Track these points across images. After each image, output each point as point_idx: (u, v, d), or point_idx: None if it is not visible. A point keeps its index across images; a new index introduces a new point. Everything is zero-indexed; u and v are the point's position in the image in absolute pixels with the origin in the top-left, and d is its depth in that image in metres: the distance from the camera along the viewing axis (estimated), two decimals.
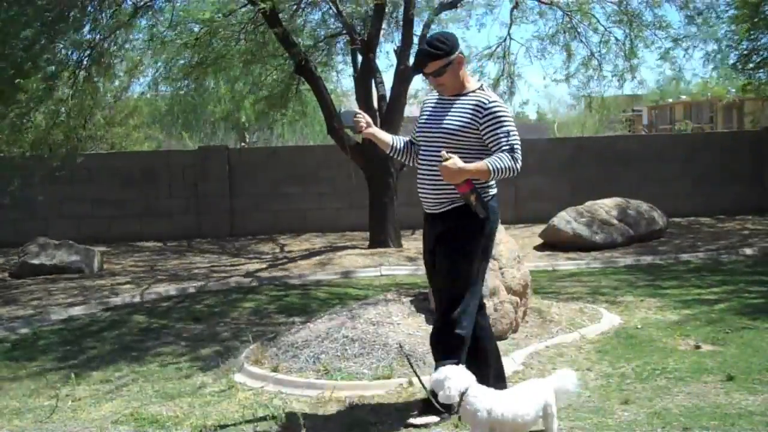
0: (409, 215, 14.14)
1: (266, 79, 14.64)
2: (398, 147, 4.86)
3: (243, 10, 12.45)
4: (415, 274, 10.10)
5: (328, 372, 5.60)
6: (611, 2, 12.92)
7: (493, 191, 4.69)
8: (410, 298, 6.88)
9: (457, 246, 4.62)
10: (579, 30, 13.49)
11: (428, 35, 4.46)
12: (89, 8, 10.56)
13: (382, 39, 13.66)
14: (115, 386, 5.82)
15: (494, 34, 49.25)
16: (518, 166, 4.41)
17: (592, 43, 13.70)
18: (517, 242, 7.55)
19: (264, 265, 11.62)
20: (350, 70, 13.62)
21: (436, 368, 4.45)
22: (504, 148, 4.41)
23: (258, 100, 15.33)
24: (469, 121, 4.49)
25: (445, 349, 4.57)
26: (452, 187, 4.45)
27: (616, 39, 13.42)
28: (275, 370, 5.75)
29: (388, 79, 13.35)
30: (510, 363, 5.77)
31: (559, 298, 8.04)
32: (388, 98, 12.72)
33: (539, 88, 48.17)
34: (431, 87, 4.68)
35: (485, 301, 6.35)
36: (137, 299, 9.35)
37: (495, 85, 14.37)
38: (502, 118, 4.46)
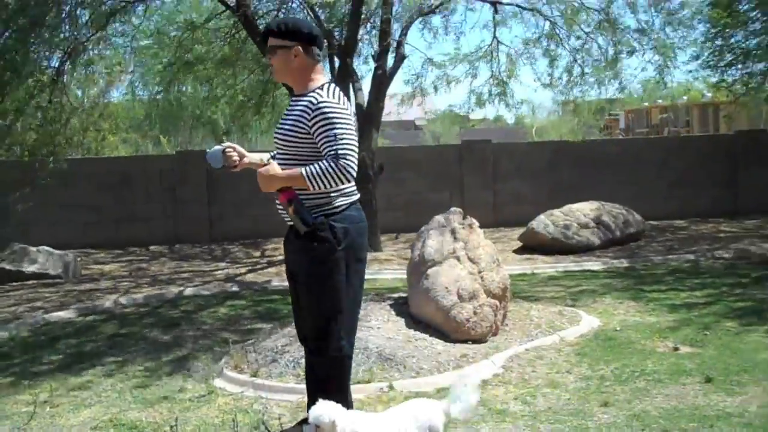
0: (389, 220, 14.19)
1: (243, 83, 14.63)
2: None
3: (223, 14, 12.45)
4: (395, 277, 10.09)
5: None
6: (592, 8, 12.99)
7: (352, 198, 4.22)
8: (390, 302, 6.89)
9: (314, 279, 4.10)
10: (561, 36, 13.54)
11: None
12: (64, 12, 10.48)
13: (360, 44, 13.70)
14: (93, 392, 5.78)
15: (481, 39, 49.15)
16: (346, 173, 3.90)
17: (574, 49, 13.75)
18: (496, 246, 7.57)
19: (244, 270, 11.58)
20: (328, 76, 13.61)
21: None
22: (330, 153, 3.91)
23: (234, 103, 15.30)
24: (296, 121, 4.04)
25: (318, 380, 4.20)
26: (311, 194, 4.03)
27: (599, 45, 13.50)
28: (255, 375, 5.73)
29: (366, 84, 13.42)
30: (490, 366, 5.79)
31: (538, 300, 8.06)
32: (365, 103, 12.74)
33: (535, 88, 48.15)
34: None
35: (466, 304, 6.37)
36: (115, 305, 9.28)
37: (495, 84, 14.40)
38: (334, 119, 3.94)
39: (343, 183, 3.97)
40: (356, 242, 4.14)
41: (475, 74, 14.53)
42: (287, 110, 4.20)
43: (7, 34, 9.81)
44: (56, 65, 11.35)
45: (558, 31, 13.42)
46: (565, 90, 14.43)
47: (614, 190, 14.51)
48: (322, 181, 3.90)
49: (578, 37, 13.52)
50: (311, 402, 4.04)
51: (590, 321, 7.12)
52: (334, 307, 4.06)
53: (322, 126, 3.95)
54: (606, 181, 15.28)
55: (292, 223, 4.08)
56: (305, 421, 3.91)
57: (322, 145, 3.94)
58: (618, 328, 6.92)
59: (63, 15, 10.55)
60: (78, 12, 10.68)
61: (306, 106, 4.02)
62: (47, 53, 11.01)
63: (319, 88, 4.07)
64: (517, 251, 12.20)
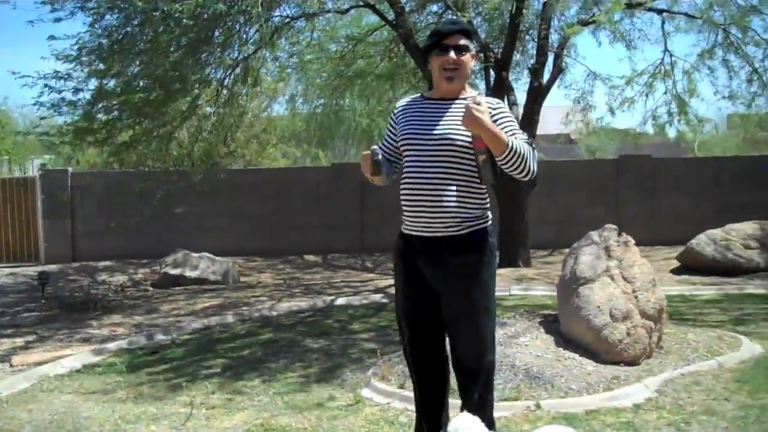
0: (541, 235, 13.99)
1: (401, 96, 14.84)
2: (389, 171, 4.13)
3: (383, 29, 12.66)
4: (545, 294, 9.93)
5: (454, 391, 5.57)
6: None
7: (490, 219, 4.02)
8: (539, 319, 6.78)
9: (477, 280, 3.90)
10: (737, 44, 12.80)
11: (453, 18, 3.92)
12: (234, 27, 10.94)
13: (516, 56, 13.61)
14: (247, 396, 5.97)
15: (651, 53, 47.21)
16: (535, 167, 3.82)
17: (754, 58, 12.97)
18: (653, 264, 7.30)
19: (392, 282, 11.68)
20: (483, 87, 13.60)
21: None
22: (522, 138, 3.85)
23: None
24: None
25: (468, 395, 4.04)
26: (471, 204, 3.87)
27: None
28: (402, 387, 5.76)
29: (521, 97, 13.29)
30: (643, 390, 5.59)
31: (696, 324, 7.73)
32: (520, 116, 12.64)
33: (712, 102, 46.04)
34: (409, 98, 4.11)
35: (619, 324, 6.19)
36: (271, 312, 9.57)
37: (673, 104, 13.84)
38: (513, 121, 3.94)
39: (531, 172, 3.81)
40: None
41: (648, 93, 13.96)
42: (431, 112, 3.98)
43: (178, 49, 10.28)
44: (222, 78, 11.86)
45: (733, 39, 12.70)
46: (747, 102, 13.59)
47: None
48: (522, 159, 3.74)
49: (757, 44, 12.76)
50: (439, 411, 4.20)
51: (751, 347, 6.76)
52: (494, 316, 4.02)
53: (509, 123, 3.88)
54: None
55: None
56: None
57: (514, 132, 3.84)
58: None
59: (233, 32, 11.01)
60: (246, 29, 11.11)
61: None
62: (214, 67, 11.51)
63: (479, 95, 4.00)
64: (675, 271, 11.77)
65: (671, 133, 14.78)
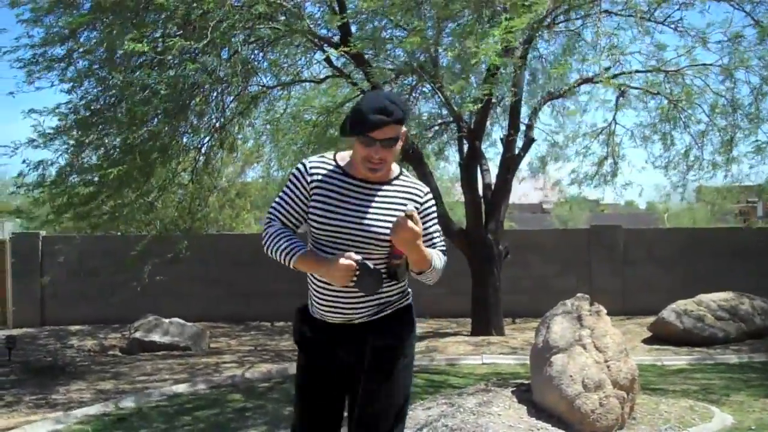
0: (513, 303, 14.02)
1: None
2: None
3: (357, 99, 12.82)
4: (517, 363, 9.91)
5: None
6: (719, 94, 12.62)
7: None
8: (512, 389, 6.76)
9: (401, 361, 3.61)
10: (681, 118, 13.23)
11: (382, 93, 3.83)
12: (212, 96, 11.05)
13: (488, 127, 13.82)
14: None
15: (599, 116, 48.81)
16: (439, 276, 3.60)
17: (694, 133, 13.41)
18: (625, 335, 7.34)
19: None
20: (457, 157, 13.75)
21: None
22: (440, 249, 3.61)
23: None
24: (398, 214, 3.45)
25: None
26: (393, 286, 3.56)
27: (719, 129, 13.07)
28: None
29: (493, 164, 13.48)
30: None
31: (668, 394, 7.74)
32: (493, 186, 12.78)
33: (643, 171, 47.39)
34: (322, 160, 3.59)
35: (592, 394, 6.18)
36: (242, 378, 9.46)
37: (600, 165, 14.20)
38: (435, 214, 3.64)
39: (430, 284, 3.65)
40: None
41: (585, 154, 14.43)
42: (356, 195, 3.52)
43: (155, 117, 10.36)
44: (200, 147, 11.94)
45: (678, 114, 13.11)
46: (682, 173, 14.01)
47: (752, 281, 13.89)
48: (436, 275, 3.55)
49: (699, 121, 13.18)
50: None
51: (723, 418, 6.77)
52: (409, 389, 3.74)
53: (429, 222, 3.59)
54: (742, 272, 14.64)
55: (359, 289, 3.43)
56: None
57: (434, 238, 3.59)
58: (753, 427, 6.55)
59: (210, 100, 11.13)
60: (222, 98, 11.24)
61: (410, 195, 3.57)
62: (193, 136, 11.60)
63: (402, 174, 3.62)
64: (647, 341, 11.80)
65: (609, 196, 15.20)
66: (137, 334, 11.93)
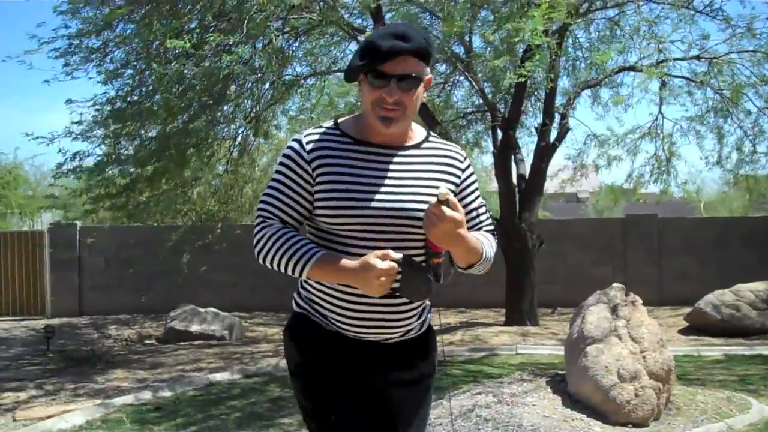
0: (548, 293, 13.96)
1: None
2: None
3: None
4: (552, 353, 9.87)
5: None
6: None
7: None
8: (546, 379, 6.74)
9: (430, 396, 2.96)
10: (730, 110, 13.03)
11: (401, 24, 2.95)
12: (247, 85, 11.11)
13: (523, 115, 13.74)
14: None
15: (644, 112, 48.06)
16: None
17: (745, 125, 13.19)
18: (661, 325, 7.27)
19: None
20: (491, 147, 13.69)
21: None
22: (487, 228, 2.85)
23: None
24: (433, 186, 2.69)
25: None
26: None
27: None
28: None
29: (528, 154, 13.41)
30: None
31: (704, 385, 7.66)
32: (527, 175, 12.71)
33: (699, 168, 46.82)
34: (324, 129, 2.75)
35: (627, 385, 6.14)
36: (277, 369, 9.52)
37: (656, 165, 14.07)
38: (477, 184, 2.90)
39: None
40: None
41: (636, 152, 14.28)
42: (376, 166, 2.69)
43: (191, 110, 10.42)
44: (235, 137, 12.01)
45: (727, 106, 12.92)
46: (735, 168, 13.85)
47: None
48: (488, 264, 2.78)
49: (749, 112, 12.97)
50: None
51: (761, 409, 6.69)
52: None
53: (474, 193, 2.85)
54: None
55: (405, 296, 2.66)
56: None
57: (480, 216, 2.84)
58: None
59: (245, 90, 11.18)
60: (257, 86, 11.28)
61: (450, 165, 2.80)
62: (228, 126, 11.67)
63: (431, 136, 2.85)
64: (683, 331, 11.69)
65: (654, 189, 15.03)
66: (174, 324, 12.05)
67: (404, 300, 2.68)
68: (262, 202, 2.74)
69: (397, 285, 2.59)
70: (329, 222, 2.65)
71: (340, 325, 2.72)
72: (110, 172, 10.84)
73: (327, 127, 2.76)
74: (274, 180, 2.73)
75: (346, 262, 2.58)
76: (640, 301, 6.97)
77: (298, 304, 2.85)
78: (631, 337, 6.58)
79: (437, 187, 2.58)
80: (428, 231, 2.53)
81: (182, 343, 11.69)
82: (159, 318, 13.67)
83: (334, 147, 2.68)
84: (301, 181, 2.67)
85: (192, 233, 13.21)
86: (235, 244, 14.82)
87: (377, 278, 2.51)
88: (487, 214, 2.89)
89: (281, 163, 2.72)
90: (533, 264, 12.47)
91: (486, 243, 2.76)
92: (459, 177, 2.80)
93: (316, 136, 2.71)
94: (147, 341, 12.18)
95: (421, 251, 2.66)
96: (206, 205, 13.80)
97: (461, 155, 2.85)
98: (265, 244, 2.66)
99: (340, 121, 2.78)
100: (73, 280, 15.26)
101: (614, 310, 6.83)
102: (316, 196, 2.66)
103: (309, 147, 2.68)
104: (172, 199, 11.69)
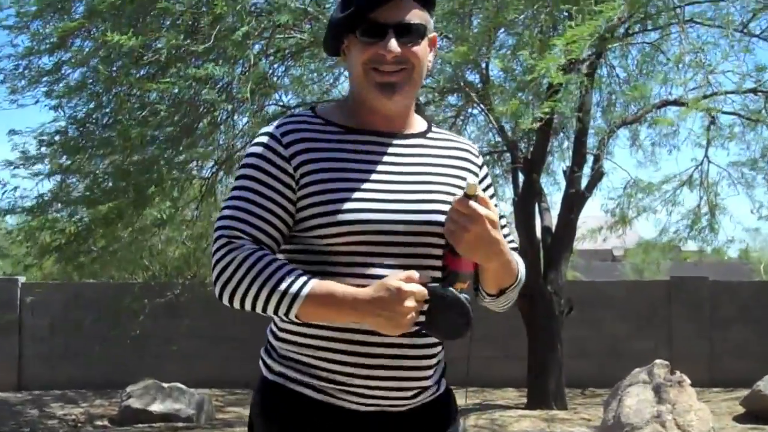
0: (577, 370, 13.82)
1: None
2: None
3: None
4: None
5: None
6: None
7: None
8: None
9: None
10: None
11: None
12: (219, 118, 11.11)
13: (549, 157, 13.74)
14: None
15: (687, 156, 48.32)
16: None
17: None
18: (713, 411, 7.18)
19: None
20: (511, 193, 13.66)
21: None
22: (512, 246, 2.46)
23: None
24: (452, 185, 2.41)
25: None
26: (438, 348, 2.41)
27: None
28: None
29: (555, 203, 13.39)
30: None
31: None
32: (554, 228, 12.65)
33: (747, 223, 47.20)
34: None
35: None
36: None
37: (694, 220, 14.02)
38: (492, 188, 2.59)
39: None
40: None
41: (674, 202, 14.29)
42: (390, 167, 2.36)
43: (152, 145, 10.40)
44: (207, 175, 11.99)
45: None
46: None
47: None
48: (516, 289, 2.45)
49: None
50: None
51: None
52: None
53: (494, 198, 2.45)
54: None
55: (434, 334, 2.31)
56: None
57: (503, 229, 2.39)
58: None
59: (218, 121, 11.17)
60: (234, 118, 11.28)
61: (465, 160, 2.52)
62: (197, 164, 11.65)
63: (436, 127, 2.58)
64: (739, 418, 11.53)
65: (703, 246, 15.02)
66: (131, 402, 11.88)
67: (429, 340, 2.32)
68: (224, 217, 2.29)
69: (421, 318, 2.21)
70: (323, 238, 2.27)
71: (336, 383, 2.30)
72: (55, 214, 10.78)
73: (305, 115, 2.43)
74: (239, 188, 2.32)
75: (354, 289, 2.18)
76: (688, 381, 6.91)
77: (270, 369, 2.47)
78: (677, 425, 6.51)
79: (458, 186, 2.31)
80: (454, 238, 2.17)
81: (140, 425, 11.53)
82: (113, 394, 13.52)
83: (320, 138, 2.33)
84: (280, 186, 2.28)
85: (154, 291, 13.13)
86: (206, 305, 14.70)
87: (405, 307, 2.10)
88: (509, 228, 2.57)
89: (249, 165, 2.33)
90: (560, 334, 12.36)
91: (517, 259, 2.42)
92: (477, 175, 2.49)
93: (294, 126, 2.35)
94: (98, 422, 12.03)
95: (439, 274, 2.27)
96: (172, 257, 13.75)
97: (475, 149, 2.58)
98: (233, 273, 2.22)
99: (318, 108, 2.47)
100: (13, 347, 15.08)
101: (657, 391, 6.77)
102: (301, 204, 2.28)
103: (287, 140, 2.31)
104: (130, 249, 11.61)
